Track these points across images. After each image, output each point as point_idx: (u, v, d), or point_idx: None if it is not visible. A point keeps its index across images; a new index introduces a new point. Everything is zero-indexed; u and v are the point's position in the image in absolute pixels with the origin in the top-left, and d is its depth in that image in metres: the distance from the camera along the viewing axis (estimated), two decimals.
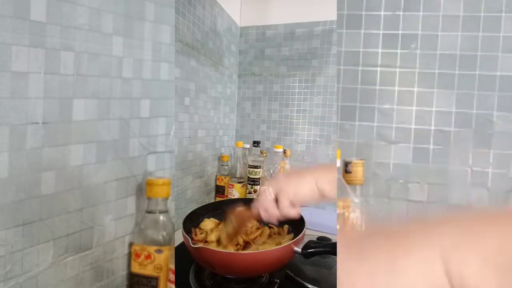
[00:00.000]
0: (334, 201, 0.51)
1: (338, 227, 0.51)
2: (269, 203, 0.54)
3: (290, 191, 0.53)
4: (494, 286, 0.16)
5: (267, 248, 0.60)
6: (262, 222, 0.65)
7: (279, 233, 0.69)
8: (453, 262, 0.17)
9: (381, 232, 0.21)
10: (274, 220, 0.56)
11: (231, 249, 0.60)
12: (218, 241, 0.63)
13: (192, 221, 0.67)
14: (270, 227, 0.70)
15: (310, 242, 0.58)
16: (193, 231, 0.66)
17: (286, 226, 0.70)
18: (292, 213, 0.54)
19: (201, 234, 0.65)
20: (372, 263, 0.20)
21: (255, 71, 1.24)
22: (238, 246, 0.61)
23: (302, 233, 0.59)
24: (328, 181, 0.51)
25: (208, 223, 0.69)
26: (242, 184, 1.02)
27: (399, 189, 0.55)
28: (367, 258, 0.20)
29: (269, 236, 0.68)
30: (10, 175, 0.37)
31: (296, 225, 0.67)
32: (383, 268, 0.19)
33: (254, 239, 0.64)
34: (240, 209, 0.62)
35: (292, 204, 0.53)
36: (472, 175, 0.53)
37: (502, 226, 0.17)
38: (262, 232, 0.68)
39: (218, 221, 0.72)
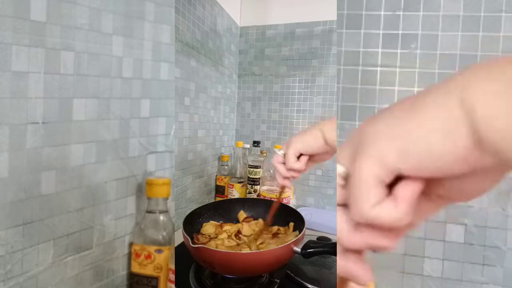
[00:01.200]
0: (335, 147, 0.52)
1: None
2: (277, 161, 0.56)
3: (295, 141, 0.54)
4: (503, 122, 0.16)
5: (270, 248, 0.60)
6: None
7: (285, 232, 0.69)
8: (467, 99, 0.18)
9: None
10: (283, 178, 0.56)
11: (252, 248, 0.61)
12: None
13: (192, 221, 0.67)
14: (278, 229, 0.70)
15: (309, 242, 0.58)
16: (195, 237, 0.66)
17: (291, 224, 0.70)
18: (297, 165, 0.54)
19: (204, 239, 0.65)
20: (393, 122, 0.20)
21: (255, 71, 1.24)
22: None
23: (302, 233, 0.59)
24: (333, 128, 0.52)
25: (209, 227, 0.69)
26: (242, 184, 1.02)
27: None
28: (388, 119, 0.21)
29: (275, 235, 0.68)
30: (10, 175, 0.37)
31: (297, 224, 0.68)
32: (404, 127, 0.20)
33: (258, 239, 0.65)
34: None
35: (298, 156, 0.54)
36: None
37: None
38: (258, 225, 0.69)
39: (218, 223, 0.72)
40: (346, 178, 0.22)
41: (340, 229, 0.22)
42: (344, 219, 0.22)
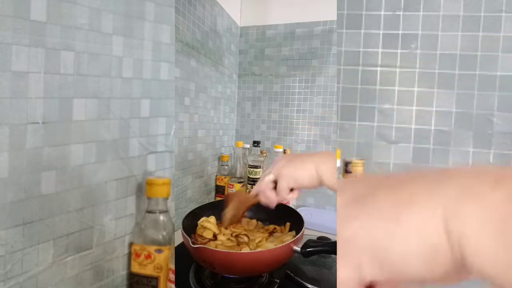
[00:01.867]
0: (332, 189, 0.52)
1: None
2: (268, 187, 0.56)
3: (289, 175, 0.54)
4: (491, 249, 0.16)
5: (268, 247, 0.60)
6: (260, 207, 0.65)
7: (281, 231, 0.69)
8: (454, 222, 0.17)
9: (387, 182, 0.21)
10: (271, 203, 0.57)
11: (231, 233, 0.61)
12: (215, 236, 0.64)
13: (191, 222, 0.67)
14: (274, 229, 0.70)
15: (309, 241, 0.58)
16: (193, 237, 0.65)
17: (288, 224, 0.70)
18: (290, 197, 0.54)
19: (202, 239, 0.65)
20: (376, 209, 0.20)
21: (255, 71, 1.24)
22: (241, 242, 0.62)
23: (301, 232, 0.59)
24: (328, 168, 0.51)
25: (207, 227, 0.69)
26: (242, 184, 1.02)
27: None
28: (371, 203, 0.21)
29: (271, 234, 0.68)
30: (10, 175, 0.37)
31: (295, 224, 0.68)
32: (386, 215, 0.20)
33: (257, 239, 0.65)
34: (240, 191, 0.63)
35: (291, 188, 0.54)
36: None
37: (507, 190, 0.17)
38: (250, 224, 0.69)
39: (217, 222, 0.72)
40: None
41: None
42: None
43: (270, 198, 0.56)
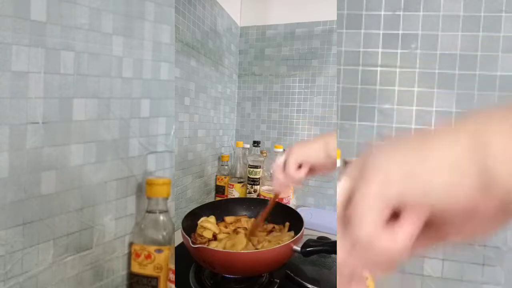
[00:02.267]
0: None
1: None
2: (277, 167, 0.55)
3: (297, 149, 0.53)
4: None
5: (267, 247, 0.60)
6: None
7: (280, 230, 0.69)
8: (478, 145, 0.18)
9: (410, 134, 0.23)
10: (280, 185, 0.56)
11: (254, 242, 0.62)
12: (215, 236, 0.65)
13: (191, 221, 0.67)
14: (273, 227, 0.70)
15: (309, 240, 0.58)
16: (193, 236, 0.66)
17: (287, 224, 0.70)
18: (298, 174, 0.53)
19: (202, 239, 0.65)
20: (403, 151, 0.21)
21: (255, 71, 1.24)
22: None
23: (301, 231, 0.59)
24: (336, 142, 0.51)
25: (206, 228, 0.69)
26: (242, 184, 1.02)
27: None
28: (398, 148, 0.21)
29: (270, 232, 0.68)
30: (10, 175, 0.37)
31: (295, 224, 0.68)
32: (412, 156, 0.20)
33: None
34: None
35: (299, 165, 0.53)
36: None
37: None
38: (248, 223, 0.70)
39: (217, 221, 0.72)
40: (349, 197, 0.22)
41: (339, 248, 0.22)
42: (342, 238, 0.22)
43: (279, 179, 0.55)
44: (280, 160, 0.55)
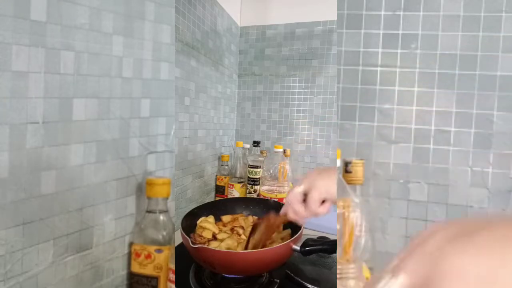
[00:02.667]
0: None
1: (338, 227, 0.51)
2: (296, 199, 0.52)
3: (322, 185, 0.51)
4: None
5: (267, 246, 0.60)
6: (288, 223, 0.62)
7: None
8: None
9: (485, 226, 0.20)
10: (300, 218, 0.54)
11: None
12: (214, 236, 0.65)
13: (190, 222, 0.67)
14: None
15: (308, 240, 0.58)
16: (192, 236, 0.65)
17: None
18: (321, 210, 0.51)
19: (202, 239, 0.65)
20: (486, 255, 0.18)
21: (255, 71, 1.24)
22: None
23: (300, 231, 0.59)
24: None
25: (206, 228, 0.69)
26: (242, 184, 1.02)
27: (399, 189, 0.55)
28: (481, 250, 0.19)
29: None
30: (10, 174, 0.37)
31: (293, 222, 0.67)
32: (496, 261, 0.18)
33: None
34: (269, 216, 0.60)
35: (322, 201, 0.51)
36: (472, 175, 0.53)
37: None
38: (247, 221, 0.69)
39: (216, 221, 0.72)
40: None
41: None
42: None
43: (299, 212, 0.52)
44: (297, 190, 0.52)
